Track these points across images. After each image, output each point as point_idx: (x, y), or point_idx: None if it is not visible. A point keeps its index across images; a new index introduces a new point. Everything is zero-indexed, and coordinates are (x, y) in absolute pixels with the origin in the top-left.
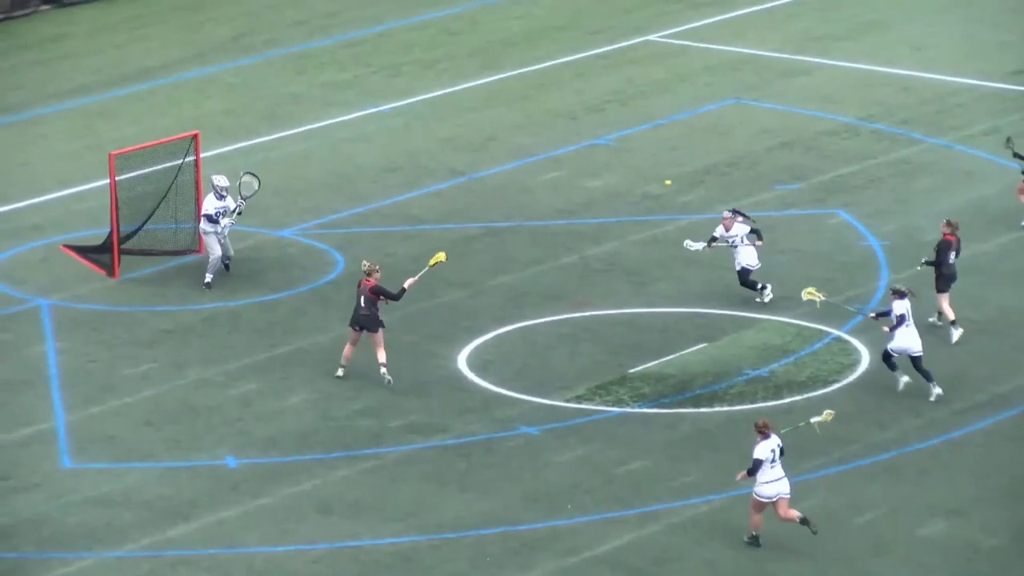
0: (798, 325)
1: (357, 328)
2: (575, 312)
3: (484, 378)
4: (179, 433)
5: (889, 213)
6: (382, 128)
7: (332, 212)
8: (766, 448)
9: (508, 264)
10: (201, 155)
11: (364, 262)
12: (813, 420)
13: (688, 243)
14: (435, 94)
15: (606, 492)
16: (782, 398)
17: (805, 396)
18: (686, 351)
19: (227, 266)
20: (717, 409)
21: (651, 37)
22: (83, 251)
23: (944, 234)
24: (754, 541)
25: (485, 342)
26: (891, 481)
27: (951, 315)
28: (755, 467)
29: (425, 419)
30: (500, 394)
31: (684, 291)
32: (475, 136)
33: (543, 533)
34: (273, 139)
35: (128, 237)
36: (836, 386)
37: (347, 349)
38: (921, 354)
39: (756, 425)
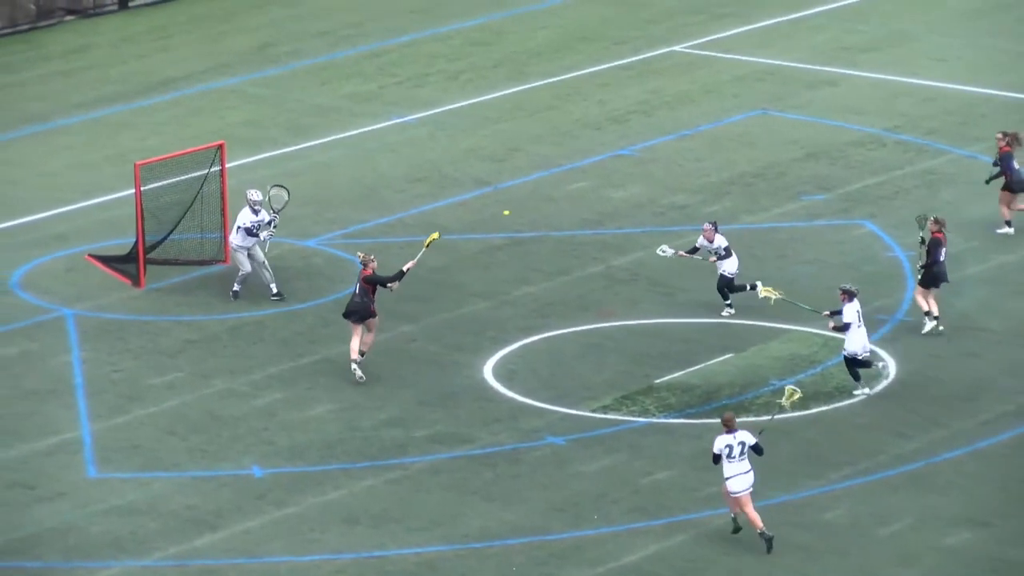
0: (824, 336)
1: (354, 319)
2: (600, 322)
3: (510, 388)
4: (204, 443)
5: (914, 224)
6: (407, 138)
7: (357, 222)
8: (721, 443)
9: (533, 274)
10: (226, 165)
11: (359, 252)
12: (780, 401)
13: (661, 249)
14: (460, 104)
15: (632, 502)
16: (809, 408)
17: (832, 407)
18: (712, 361)
19: (235, 294)
20: (743, 419)
21: (676, 48)
22: (108, 261)
23: (933, 232)
24: (737, 525)
25: (511, 352)
26: (917, 492)
27: (936, 311)
28: (714, 460)
29: (451, 429)
30: (526, 404)
31: (710, 301)
32: (499, 146)
33: (569, 543)
34: (298, 150)
35: (153, 247)
36: (862, 396)
37: (353, 343)
38: (860, 356)
39: (722, 419)
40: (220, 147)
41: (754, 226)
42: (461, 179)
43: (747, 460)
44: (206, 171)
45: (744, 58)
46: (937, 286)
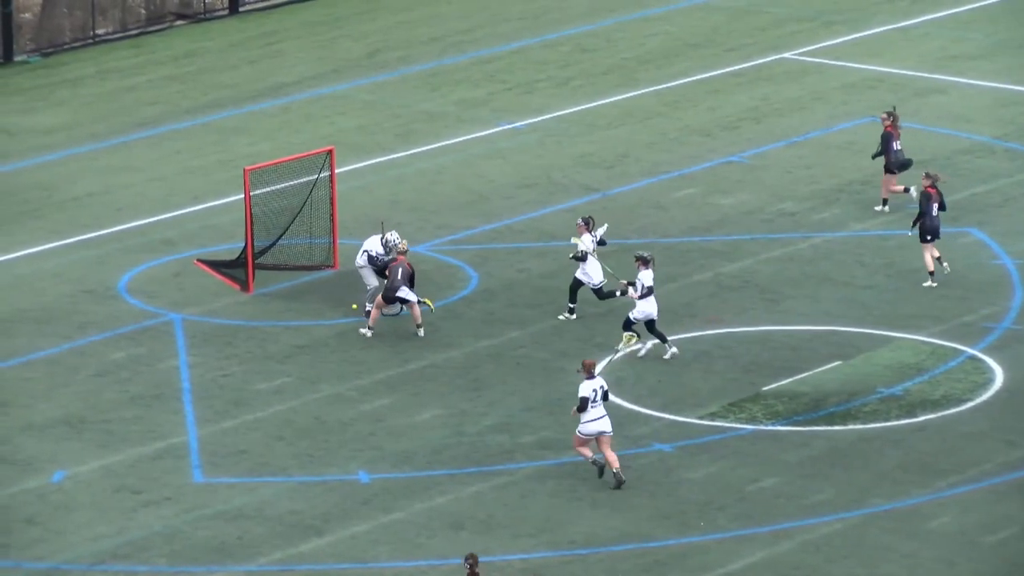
0: (932, 344)
1: (393, 302)
2: (708, 329)
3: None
4: (311, 448)
5: (1022, 232)
6: (516, 145)
7: (465, 228)
8: (589, 387)
9: None
10: (336, 171)
11: (399, 239)
12: (618, 348)
13: (576, 241)
14: (569, 111)
15: (738, 509)
16: (915, 416)
17: (939, 415)
18: (819, 369)
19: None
20: (850, 427)
21: (786, 55)
22: (217, 266)
23: (924, 187)
24: (597, 466)
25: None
26: None
27: (930, 265)
28: (582, 404)
29: (557, 435)
30: (633, 411)
31: (818, 309)
32: (609, 153)
33: (675, 550)
34: (407, 155)
35: (262, 252)
36: (970, 405)
37: (375, 313)
38: (656, 318)
39: (583, 365)
40: (330, 152)
41: (862, 233)
42: (569, 186)
43: (601, 406)
44: (316, 176)
45: (854, 65)
46: (930, 240)
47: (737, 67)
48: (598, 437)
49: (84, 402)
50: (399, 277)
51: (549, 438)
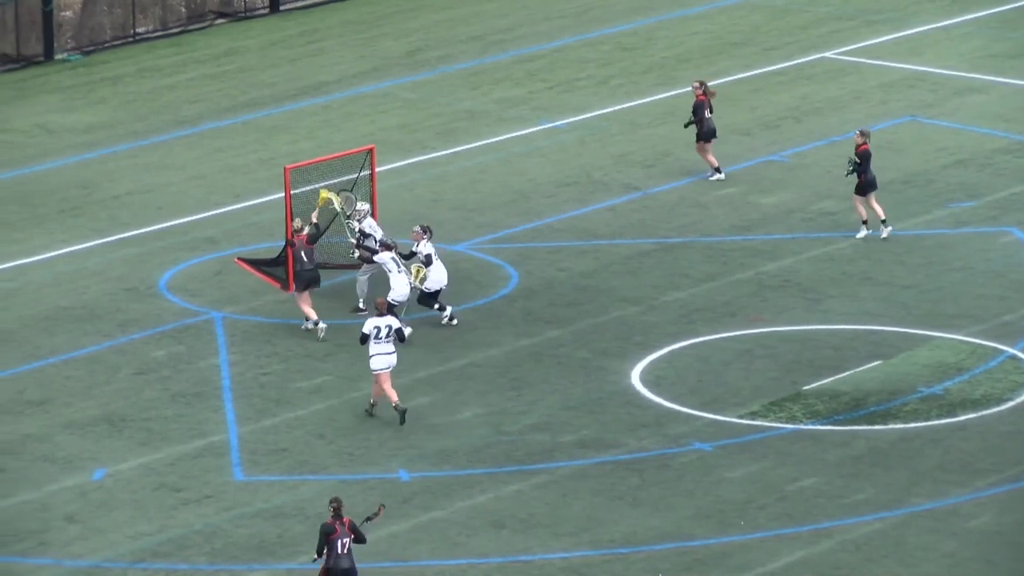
0: (972, 343)
1: (305, 287)
2: (749, 328)
3: (657, 394)
4: (351, 446)
5: None
6: (556, 143)
7: (506, 227)
8: (371, 324)
9: (681, 280)
10: (376, 169)
11: (297, 219)
12: (410, 280)
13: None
14: (610, 110)
15: (778, 509)
16: (956, 416)
17: (979, 414)
18: (860, 368)
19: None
20: (891, 427)
21: (827, 54)
22: (257, 264)
23: (858, 145)
24: (370, 410)
25: (658, 358)
26: None
27: (864, 215)
28: (362, 339)
29: (597, 434)
30: (673, 410)
31: (858, 308)
32: (649, 152)
33: (715, 549)
34: (448, 154)
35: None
36: (1010, 404)
37: (307, 309)
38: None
39: (375, 304)
40: (370, 151)
41: (902, 233)
42: (610, 184)
43: (392, 343)
44: (356, 175)
45: (894, 64)
46: (868, 192)
47: (778, 66)
48: (381, 374)
49: (125, 400)
50: (306, 259)
51: (589, 437)
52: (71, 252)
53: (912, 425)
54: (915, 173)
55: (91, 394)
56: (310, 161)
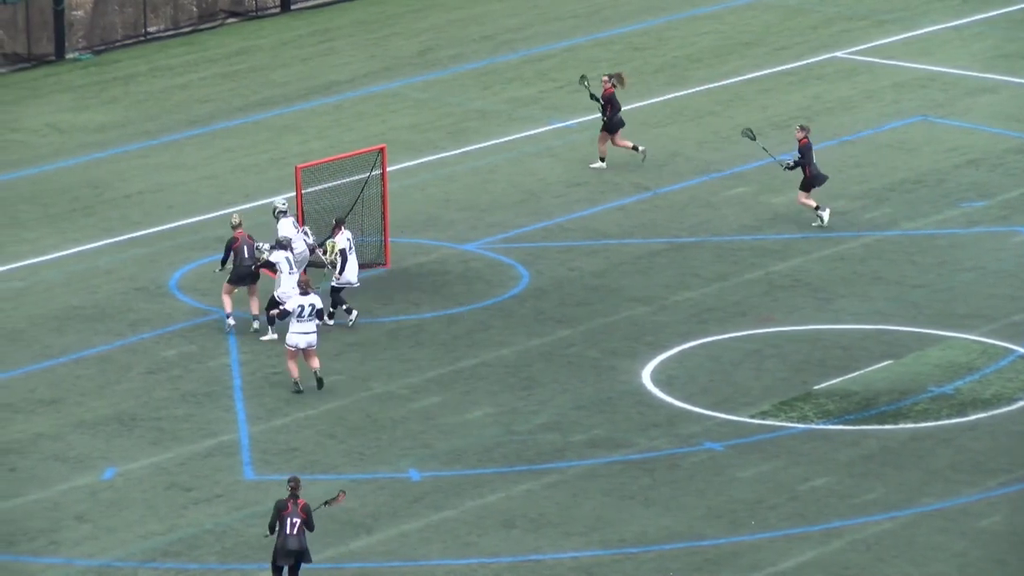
0: (983, 343)
1: (238, 282)
2: (760, 328)
3: (668, 393)
4: (362, 446)
5: None
6: (567, 143)
7: (517, 227)
8: (295, 303)
9: (692, 280)
10: (387, 169)
11: (235, 216)
12: (323, 256)
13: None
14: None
15: (790, 508)
16: (967, 415)
17: (990, 414)
18: (870, 368)
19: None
20: (902, 426)
21: (838, 54)
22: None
23: (800, 140)
24: (296, 387)
25: (669, 357)
26: None
27: (814, 204)
28: (282, 315)
29: (608, 434)
30: (684, 410)
31: (869, 308)
32: (660, 151)
33: (726, 549)
34: (458, 154)
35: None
36: (1021, 404)
37: (227, 301)
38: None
39: (298, 282)
40: (381, 151)
41: (913, 232)
42: (621, 184)
43: (312, 322)
44: (367, 174)
45: (905, 64)
46: (811, 189)
47: (788, 66)
48: (305, 350)
49: (136, 399)
50: (247, 255)
51: (600, 437)
52: (82, 251)
53: (923, 425)
54: (926, 173)
55: (102, 393)
56: (321, 160)
